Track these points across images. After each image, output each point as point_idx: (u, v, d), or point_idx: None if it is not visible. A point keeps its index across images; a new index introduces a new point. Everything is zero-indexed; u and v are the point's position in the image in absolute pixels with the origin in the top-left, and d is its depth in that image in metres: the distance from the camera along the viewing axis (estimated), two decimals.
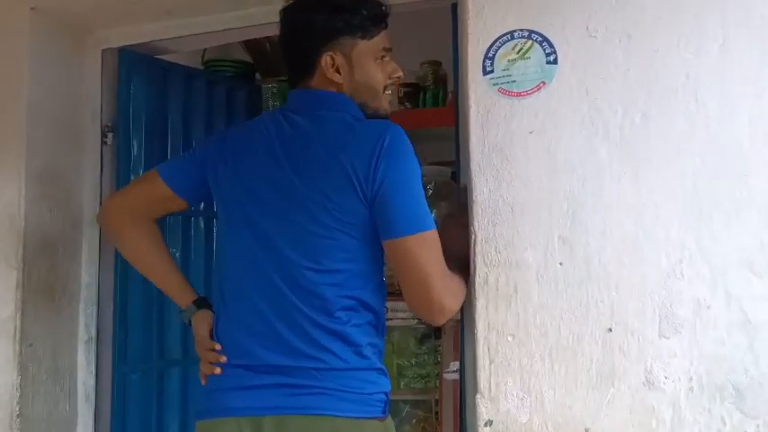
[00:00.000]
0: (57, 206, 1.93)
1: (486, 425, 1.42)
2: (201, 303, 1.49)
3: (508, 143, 1.45)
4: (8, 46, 1.92)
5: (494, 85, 1.46)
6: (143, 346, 2.12)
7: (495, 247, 1.44)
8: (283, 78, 2.76)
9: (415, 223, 1.30)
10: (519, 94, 1.45)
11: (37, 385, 1.88)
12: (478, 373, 1.44)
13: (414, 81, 2.77)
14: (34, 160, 1.90)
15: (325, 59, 1.37)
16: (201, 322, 1.44)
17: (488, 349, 1.44)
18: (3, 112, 1.90)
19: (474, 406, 1.44)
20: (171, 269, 1.51)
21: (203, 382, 1.38)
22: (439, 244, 1.32)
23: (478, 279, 1.44)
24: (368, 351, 1.34)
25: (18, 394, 1.83)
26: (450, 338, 2.74)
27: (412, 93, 2.77)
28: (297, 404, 1.27)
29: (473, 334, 1.46)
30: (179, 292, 1.51)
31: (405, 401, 2.78)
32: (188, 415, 2.21)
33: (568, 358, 1.38)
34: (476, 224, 1.45)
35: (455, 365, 2.74)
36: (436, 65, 2.78)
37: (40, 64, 1.93)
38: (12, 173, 1.88)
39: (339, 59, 1.38)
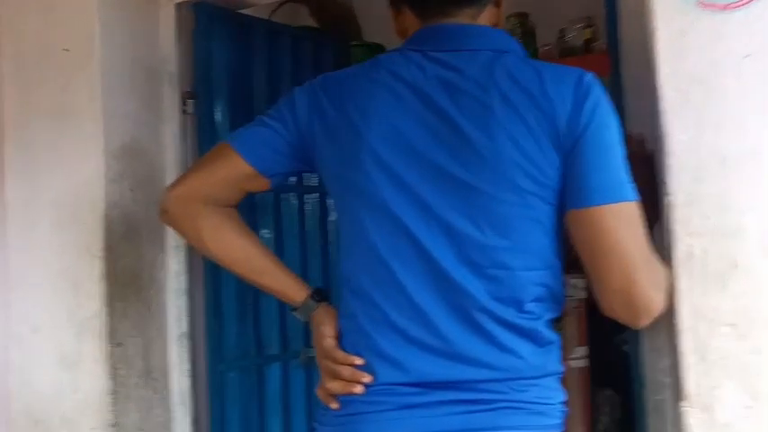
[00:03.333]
0: (138, 185, 1.70)
1: None
2: (321, 296, 1.18)
3: (714, 73, 1.10)
4: (75, 10, 1.67)
5: None
6: (239, 340, 1.88)
7: (701, 212, 1.10)
8: (356, 43, 2.52)
9: (615, 189, 1.00)
10: (727, 7, 1.09)
11: (129, 389, 1.67)
12: (683, 374, 1.11)
13: None
14: (112, 135, 1.67)
15: None
16: (328, 323, 1.13)
17: (696, 344, 1.11)
18: (73, 82, 1.67)
19: (677, 417, 1.12)
20: (270, 261, 1.19)
21: (333, 406, 1.07)
22: (642, 221, 1.01)
23: (679, 253, 1.11)
24: (556, 353, 1.06)
25: (110, 401, 1.62)
26: (575, 320, 2.42)
27: None
28: (482, 424, 0.99)
29: (672, 324, 1.13)
30: (288, 287, 1.18)
31: None
32: (291, 415, 1.98)
33: None
34: (673, 183, 1.11)
35: (581, 351, 2.43)
36: (523, 17, 2.49)
37: (110, 27, 1.68)
38: (89, 150, 1.65)
39: None
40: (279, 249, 2.00)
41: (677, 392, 1.12)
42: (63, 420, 1.66)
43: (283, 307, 1.79)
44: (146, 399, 1.70)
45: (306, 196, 2.07)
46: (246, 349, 1.90)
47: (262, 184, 1.18)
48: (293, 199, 2.05)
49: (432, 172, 1.03)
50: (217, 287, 1.82)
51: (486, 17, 1.13)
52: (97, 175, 1.62)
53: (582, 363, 2.39)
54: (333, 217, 2.06)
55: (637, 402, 1.35)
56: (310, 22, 2.72)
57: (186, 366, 1.79)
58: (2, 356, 1.78)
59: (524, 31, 2.54)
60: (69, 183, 1.66)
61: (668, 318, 1.13)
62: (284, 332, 1.96)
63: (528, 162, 1.00)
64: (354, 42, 2.55)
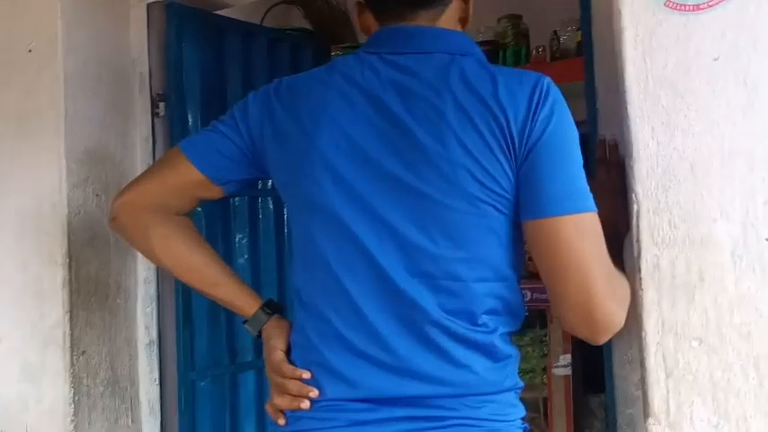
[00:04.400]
0: (105, 191, 1.66)
1: None
2: (273, 308, 1.15)
3: (683, 75, 1.05)
4: (40, 9, 1.63)
5: None
6: (212, 348, 1.84)
7: (670, 220, 1.05)
8: (346, 45, 2.49)
9: (573, 200, 0.95)
10: (697, 8, 1.05)
11: (93, 399, 1.63)
12: (650, 390, 1.07)
13: (491, 38, 2.45)
14: (75, 138, 1.62)
15: None
16: (278, 335, 1.10)
17: (663, 359, 1.06)
18: (36, 84, 1.63)
19: None
20: (222, 271, 1.15)
21: (280, 422, 1.04)
22: (601, 232, 0.97)
23: (645, 264, 1.06)
24: (513, 367, 1.02)
25: (72, 411, 1.58)
26: (559, 328, 2.37)
27: (490, 52, 2.43)
28: None
29: (639, 338, 1.08)
30: (239, 298, 1.15)
31: None
32: (266, 425, 1.93)
33: None
34: (639, 190, 1.07)
35: (565, 359, 2.38)
36: (516, 19, 2.48)
37: (75, 27, 1.64)
38: (51, 154, 1.61)
39: None
40: (255, 255, 1.96)
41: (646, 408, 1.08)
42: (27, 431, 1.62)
43: None
44: (112, 409, 1.66)
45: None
46: (219, 357, 1.86)
47: (214, 192, 1.14)
48: (269, 203, 2.01)
49: (383, 179, 0.99)
50: (188, 293, 1.77)
51: (448, 16, 1.08)
52: (59, 180, 1.58)
53: (566, 371, 2.35)
54: None
55: (610, 416, 1.31)
56: (304, 23, 2.69)
57: (155, 375, 1.75)
58: None
59: (517, 32, 2.51)
60: (31, 188, 1.63)
61: (639, 330, 1.08)
62: (259, 338, 1.91)
63: (480, 170, 0.96)
64: (345, 44, 2.51)
